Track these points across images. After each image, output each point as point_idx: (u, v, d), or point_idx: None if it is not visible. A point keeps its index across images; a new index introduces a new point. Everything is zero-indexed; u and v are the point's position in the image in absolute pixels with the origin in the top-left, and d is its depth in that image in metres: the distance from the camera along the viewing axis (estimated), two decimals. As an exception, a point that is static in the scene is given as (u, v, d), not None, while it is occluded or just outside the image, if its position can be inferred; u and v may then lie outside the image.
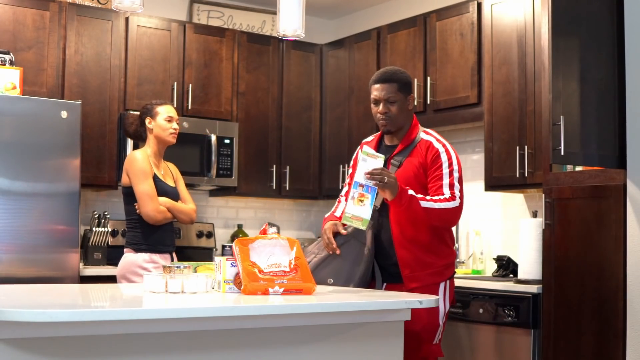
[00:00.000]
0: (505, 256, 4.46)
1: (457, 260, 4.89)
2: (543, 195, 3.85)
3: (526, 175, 4.23)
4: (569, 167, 3.79)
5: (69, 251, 4.40)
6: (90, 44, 4.93)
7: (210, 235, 5.51)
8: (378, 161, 3.06)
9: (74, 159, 4.43)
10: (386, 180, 2.99)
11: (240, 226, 5.71)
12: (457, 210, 3.17)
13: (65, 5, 4.86)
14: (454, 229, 4.44)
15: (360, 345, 2.66)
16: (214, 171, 5.24)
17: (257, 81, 5.57)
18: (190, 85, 5.25)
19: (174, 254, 4.08)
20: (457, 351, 4.22)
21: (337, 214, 3.39)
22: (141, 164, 3.91)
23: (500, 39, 4.43)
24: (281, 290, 2.69)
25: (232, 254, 2.81)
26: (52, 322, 2.09)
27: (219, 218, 5.75)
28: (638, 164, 3.43)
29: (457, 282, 4.08)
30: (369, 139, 3.50)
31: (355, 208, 3.00)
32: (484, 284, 4.14)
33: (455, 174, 3.20)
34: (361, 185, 3.02)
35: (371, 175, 3.00)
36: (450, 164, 3.21)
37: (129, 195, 3.95)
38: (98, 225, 4.89)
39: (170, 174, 4.12)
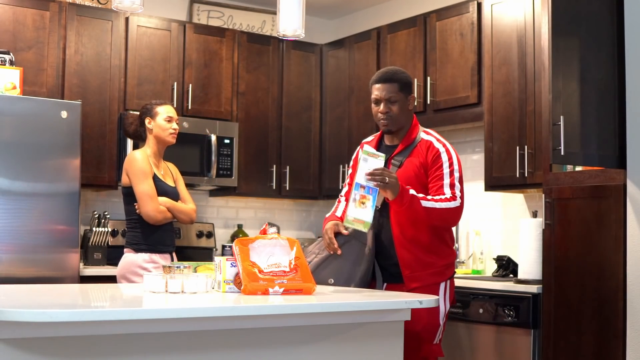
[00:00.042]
0: (505, 256, 4.46)
1: (457, 260, 4.89)
2: (543, 195, 3.85)
3: (526, 175, 4.23)
4: (569, 167, 3.79)
5: (69, 251, 4.40)
6: (90, 44, 4.94)
7: (210, 235, 5.51)
8: (379, 160, 3.05)
9: (74, 159, 4.43)
10: (387, 180, 2.99)
11: (240, 226, 5.71)
12: (458, 210, 3.18)
13: (65, 5, 4.86)
14: (454, 229, 4.44)
15: (360, 345, 2.66)
16: (214, 171, 5.24)
17: (257, 81, 5.57)
18: (190, 85, 5.25)
19: (174, 254, 4.08)
20: (457, 351, 4.22)
21: (338, 213, 3.39)
22: (141, 164, 3.91)
23: (500, 39, 4.43)
24: (281, 290, 2.69)
25: (232, 254, 2.81)
26: (52, 322, 2.09)
27: (219, 218, 5.75)
28: (638, 164, 3.43)
29: (457, 282, 4.08)
30: (369, 139, 3.50)
31: (357, 211, 2.98)
32: (484, 284, 4.14)
33: (456, 174, 3.21)
34: (362, 187, 3.00)
35: (372, 175, 2.99)
36: (451, 164, 3.21)
37: (129, 196, 3.95)
38: (98, 225, 4.89)
39: (170, 174, 4.12)
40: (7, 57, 4.50)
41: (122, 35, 5.05)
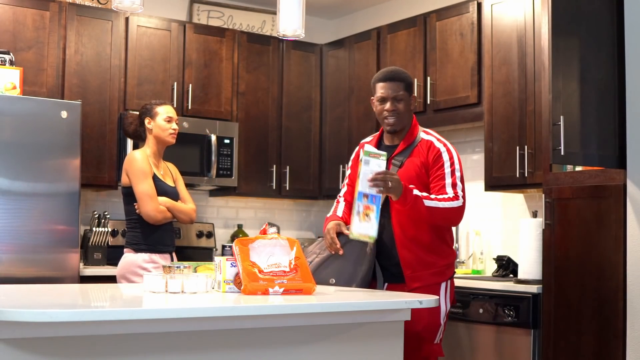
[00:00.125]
0: (505, 256, 4.46)
1: (457, 260, 4.89)
2: (543, 195, 3.85)
3: (526, 175, 4.23)
4: (569, 167, 3.79)
5: (69, 251, 4.40)
6: (90, 44, 4.93)
7: (210, 235, 5.51)
8: (381, 161, 3.03)
9: (74, 159, 4.43)
10: (390, 184, 2.99)
11: (240, 226, 5.71)
12: (461, 210, 3.19)
13: (65, 5, 4.86)
14: (454, 229, 4.44)
15: (360, 345, 2.66)
16: (214, 171, 5.24)
17: (257, 81, 5.57)
18: (190, 85, 5.25)
19: (173, 254, 4.08)
20: (457, 351, 4.22)
21: (339, 213, 3.40)
22: (140, 164, 3.91)
23: (500, 39, 4.43)
24: (281, 290, 2.69)
25: (232, 254, 2.81)
26: (52, 322, 2.09)
27: (219, 218, 5.75)
28: (638, 164, 3.43)
29: (457, 282, 4.08)
30: (368, 139, 3.50)
31: (361, 225, 2.95)
32: (484, 284, 4.14)
33: (457, 173, 3.22)
34: (365, 196, 2.96)
35: (374, 181, 2.99)
36: (452, 164, 3.22)
37: (129, 196, 3.95)
38: (98, 225, 4.89)
39: (170, 173, 4.12)
40: (7, 57, 4.50)
41: (122, 35, 5.05)
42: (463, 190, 3.21)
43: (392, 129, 3.31)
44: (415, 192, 3.09)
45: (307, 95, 5.79)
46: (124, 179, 3.96)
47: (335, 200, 3.52)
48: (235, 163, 5.35)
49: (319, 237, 4.20)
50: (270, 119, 5.62)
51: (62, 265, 4.37)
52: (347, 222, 3.31)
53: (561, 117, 3.38)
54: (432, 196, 3.13)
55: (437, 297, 2.85)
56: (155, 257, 3.93)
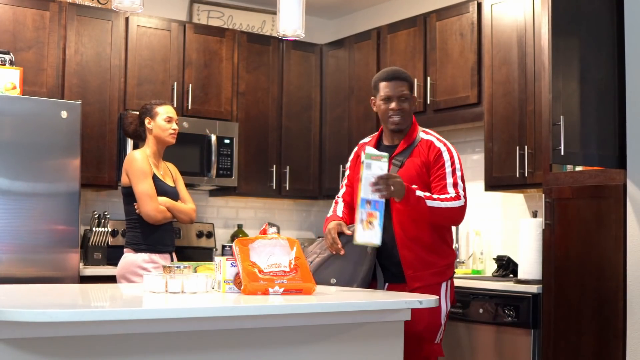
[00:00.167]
0: (505, 256, 4.46)
1: (457, 260, 4.89)
2: (543, 195, 3.85)
3: (526, 175, 4.23)
4: (569, 167, 3.79)
5: (69, 251, 4.40)
6: (90, 44, 4.93)
7: (210, 235, 5.51)
8: (382, 162, 3.02)
9: (74, 159, 4.43)
10: (392, 188, 2.99)
11: (240, 226, 5.71)
12: (462, 209, 3.20)
13: (65, 5, 4.86)
14: (453, 229, 4.44)
15: (360, 345, 2.66)
16: (214, 171, 5.24)
17: (257, 81, 5.57)
18: (190, 85, 5.25)
19: (173, 254, 4.08)
20: (457, 351, 4.22)
21: (339, 213, 3.40)
22: (140, 164, 3.91)
23: (500, 39, 4.43)
24: (281, 290, 2.69)
25: (232, 254, 2.81)
26: (52, 322, 2.09)
27: (219, 218, 5.75)
28: (638, 164, 3.43)
29: (457, 282, 4.08)
30: (366, 140, 3.50)
31: (365, 233, 2.95)
32: (484, 284, 4.14)
33: (458, 173, 3.23)
34: (368, 202, 2.95)
35: (375, 185, 2.98)
36: (453, 163, 3.24)
37: (129, 196, 3.95)
38: (98, 225, 4.89)
39: (170, 173, 4.12)
40: (7, 57, 4.50)
41: (122, 35, 5.05)
42: (464, 190, 3.22)
43: (398, 128, 3.31)
44: (418, 193, 3.09)
45: (307, 95, 5.79)
46: (124, 179, 3.96)
47: (334, 201, 3.52)
48: (235, 163, 5.35)
49: (319, 237, 4.20)
50: (270, 119, 5.62)
51: (62, 265, 4.37)
52: (347, 222, 3.32)
53: (561, 117, 3.38)
54: (435, 196, 3.14)
55: (437, 297, 2.85)
56: (155, 257, 3.93)
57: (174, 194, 4.03)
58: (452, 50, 4.77)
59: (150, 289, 2.72)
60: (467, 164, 4.88)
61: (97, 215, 4.92)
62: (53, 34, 4.79)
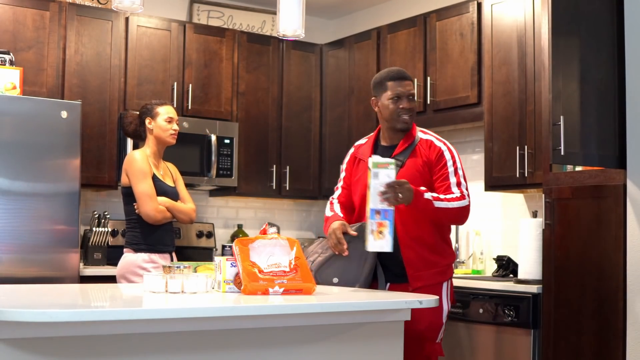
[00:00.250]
0: (505, 256, 4.46)
1: (457, 260, 4.89)
2: (543, 195, 3.85)
3: (526, 175, 4.23)
4: (569, 167, 3.79)
5: (69, 251, 4.40)
6: (90, 44, 4.93)
7: (210, 235, 5.51)
8: (390, 170, 3.01)
9: (74, 159, 4.43)
10: (401, 196, 3.00)
11: (240, 226, 5.71)
12: (468, 209, 3.23)
13: (65, 5, 4.86)
14: (453, 229, 4.43)
15: (360, 345, 2.66)
16: (214, 171, 5.24)
17: (257, 81, 5.57)
18: (190, 85, 5.25)
19: (173, 254, 4.08)
20: (457, 351, 4.22)
21: (339, 213, 3.40)
22: (140, 164, 3.91)
23: (500, 39, 4.43)
24: (281, 290, 2.69)
25: (232, 254, 2.81)
26: (52, 322, 2.09)
27: (219, 218, 5.75)
28: (638, 164, 3.43)
29: (457, 282, 4.09)
30: (362, 141, 3.51)
31: (376, 243, 2.97)
32: (484, 284, 4.14)
33: (460, 172, 3.26)
34: (377, 213, 2.97)
35: (384, 195, 2.98)
36: (454, 162, 3.26)
37: (129, 196, 3.95)
38: (98, 225, 4.89)
39: (170, 173, 4.12)
40: (7, 57, 4.50)
41: (122, 35, 5.05)
42: (467, 189, 3.25)
43: (407, 127, 3.33)
44: (426, 195, 3.11)
45: (307, 95, 5.79)
46: (124, 179, 3.96)
47: (329, 202, 3.50)
48: (235, 163, 5.35)
49: (319, 237, 4.19)
50: (270, 119, 5.62)
51: (62, 265, 4.37)
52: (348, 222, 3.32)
53: (561, 117, 3.38)
54: (442, 196, 3.16)
55: (437, 297, 2.85)
56: (155, 257, 3.93)
57: (173, 194, 4.03)
58: (452, 50, 4.77)
59: (150, 289, 2.72)
60: (467, 164, 4.88)
61: (97, 215, 4.92)
62: (53, 34, 4.79)
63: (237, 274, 2.78)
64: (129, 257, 3.94)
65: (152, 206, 3.88)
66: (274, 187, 5.60)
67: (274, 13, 4.82)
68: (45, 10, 4.79)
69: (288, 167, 5.65)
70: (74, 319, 2.12)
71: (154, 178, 3.94)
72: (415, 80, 4.85)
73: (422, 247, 3.23)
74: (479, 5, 4.60)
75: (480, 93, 4.56)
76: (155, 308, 2.37)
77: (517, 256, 4.15)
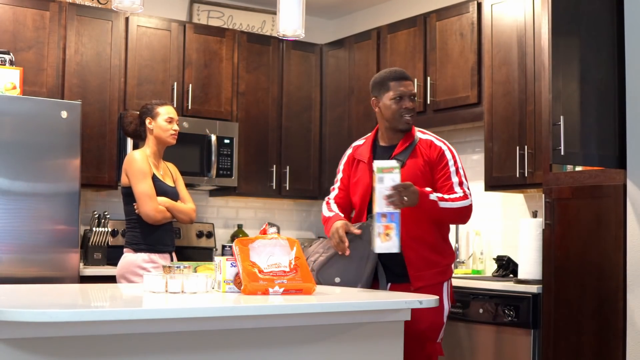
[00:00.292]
0: (505, 256, 4.46)
1: (457, 260, 4.89)
2: (543, 195, 3.85)
3: (526, 175, 4.23)
4: (569, 167, 3.79)
5: (69, 251, 4.40)
6: (90, 44, 4.94)
7: (210, 235, 5.51)
8: (394, 174, 3.04)
9: (74, 159, 4.43)
10: (406, 199, 3.02)
11: (240, 226, 5.71)
12: (470, 208, 3.25)
13: (65, 5, 4.86)
14: (453, 229, 4.43)
15: (360, 345, 2.66)
16: (214, 171, 5.24)
17: (257, 81, 5.57)
18: (190, 85, 5.25)
19: (173, 254, 4.08)
20: (457, 351, 4.22)
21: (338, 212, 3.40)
22: (140, 164, 3.91)
23: (500, 39, 4.43)
24: (281, 290, 2.69)
25: (232, 254, 2.81)
26: (52, 322, 2.09)
27: (219, 218, 5.75)
28: (638, 164, 3.43)
29: (457, 282, 4.09)
30: (359, 142, 3.51)
31: (383, 245, 3.02)
32: (484, 284, 4.14)
33: (461, 171, 3.28)
34: (384, 216, 3.01)
35: (389, 199, 3.00)
36: (455, 162, 3.28)
37: (129, 196, 3.95)
38: (98, 225, 4.89)
39: (170, 173, 4.12)
40: (7, 57, 4.50)
41: (122, 35, 5.05)
42: (469, 188, 3.27)
43: (409, 127, 3.34)
44: (431, 197, 3.12)
45: (307, 95, 5.79)
46: (124, 179, 3.96)
47: (325, 202, 3.51)
48: (235, 163, 5.35)
49: (319, 237, 4.19)
50: (270, 119, 5.62)
51: (62, 265, 4.37)
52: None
53: (561, 117, 3.38)
54: (446, 197, 3.18)
55: (437, 297, 2.85)
56: (155, 257, 3.93)
57: (173, 194, 4.03)
58: (452, 50, 4.77)
59: (150, 289, 2.72)
60: (467, 164, 4.88)
61: (97, 215, 4.92)
62: (53, 34, 4.79)
63: (237, 274, 2.78)
64: (129, 257, 3.94)
65: (152, 206, 3.88)
66: (274, 187, 5.60)
67: (274, 13, 4.82)
68: (45, 10, 4.79)
69: (288, 167, 5.65)
70: (74, 319, 2.12)
71: (154, 178, 3.94)
72: (415, 80, 4.85)
73: (423, 246, 3.23)
74: (479, 5, 4.60)
75: (480, 93, 4.56)
76: (155, 308, 2.37)
77: (517, 256, 4.15)
